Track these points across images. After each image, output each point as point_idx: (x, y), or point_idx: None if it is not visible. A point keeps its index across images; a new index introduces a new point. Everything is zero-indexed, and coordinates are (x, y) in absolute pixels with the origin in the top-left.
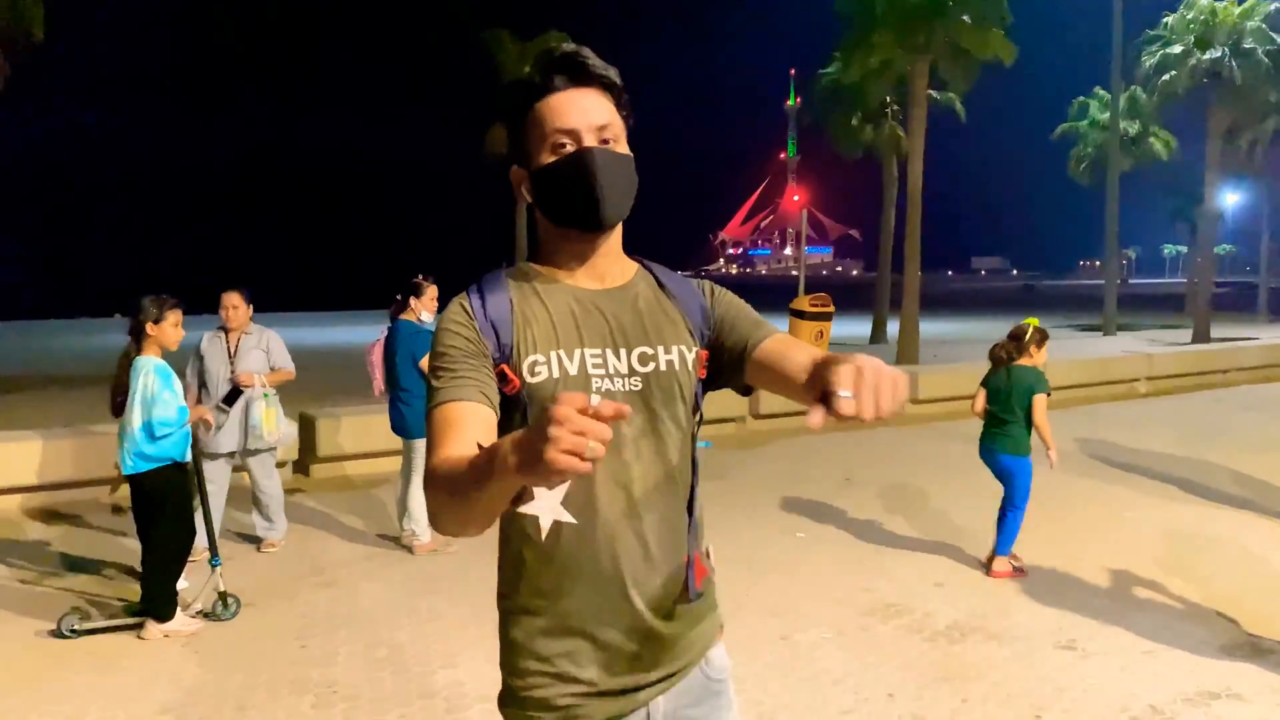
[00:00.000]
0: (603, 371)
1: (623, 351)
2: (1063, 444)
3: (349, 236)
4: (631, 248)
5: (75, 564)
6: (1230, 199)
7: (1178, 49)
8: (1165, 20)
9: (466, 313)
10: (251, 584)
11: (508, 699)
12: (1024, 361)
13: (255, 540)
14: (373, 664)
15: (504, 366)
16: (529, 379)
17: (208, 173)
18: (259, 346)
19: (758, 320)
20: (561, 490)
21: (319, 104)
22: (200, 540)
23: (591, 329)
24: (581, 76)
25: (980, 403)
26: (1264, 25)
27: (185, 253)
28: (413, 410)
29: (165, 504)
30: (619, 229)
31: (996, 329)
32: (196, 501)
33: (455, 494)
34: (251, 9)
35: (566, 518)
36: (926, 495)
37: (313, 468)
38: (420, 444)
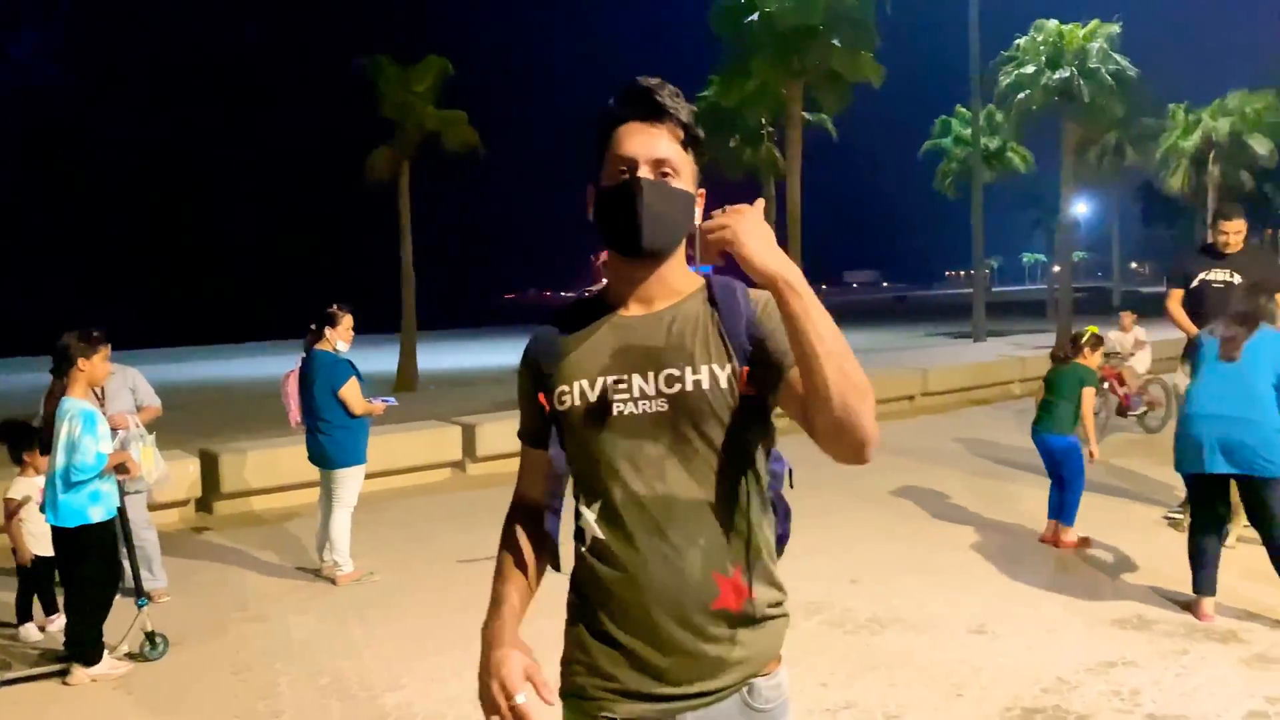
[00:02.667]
0: (626, 395)
1: (650, 374)
2: (949, 446)
3: (228, 267)
4: (519, 269)
5: None
6: (1082, 208)
7: (1030, 69)
8: (1017, 42)
9: (533, 342)
10: (176, 623)
11: (562, 690)
12: (1081, 361)
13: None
14: (317, 692)
15: (541, 395)
16: (557, 407)
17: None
18: (127, 386)
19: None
20: (595, 509)
21: (188, 127)
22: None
23: (619, 354)
24: (651, 111)
25: (1040, 396)
26: (1106, 46)
27: (34, 291)
28: (332, 440)
29: (91, 550)
30: (673, 259)
31: (873, 339)
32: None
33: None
34: (119, 45)
35: (599, 534)
36: (830, 499)
37: (216, 504)
38: (341, 474)
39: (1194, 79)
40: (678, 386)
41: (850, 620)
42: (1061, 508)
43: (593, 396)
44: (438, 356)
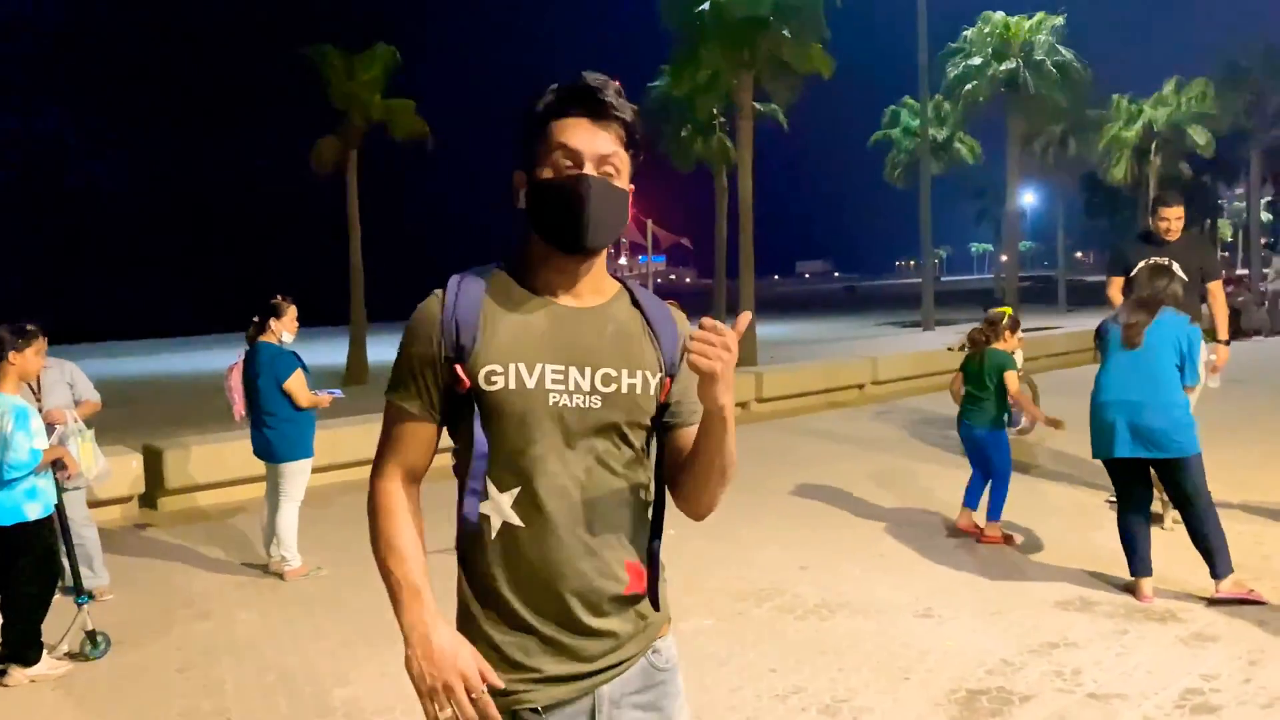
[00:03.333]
0: (562, 388)
1: (587, 370)
2: (897, 433)
3: (165, 259)
4: (470, 260)
5: None
6: (1029, 199)
7: (977, 60)
8: (965, 34)
9: (438, 304)
10: (117, 622)
11: None
12: (999, 345)
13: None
14: (264, 689)
15: (458, 366)
16: (484, 386)
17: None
18: (63, 380)
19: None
20: (511, 495)
21: (127, 117)
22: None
23: (558, 346)
24: (597, 110)
25: (958, 384)
26: (1051, 39)
27: None
28: (278, 434)
29: (27, 548)
30: (601, 255)
31: (825, 329)
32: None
33: (374, 548)
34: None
35: (515, 520)
36: (780, 487)
37: (160, 500)
38: (288, 468)
39: (1137, 70)
40: (614, 386)
41: (799, 606)
42: (989, 502)
43: (530, 383)
44: (388, 349)
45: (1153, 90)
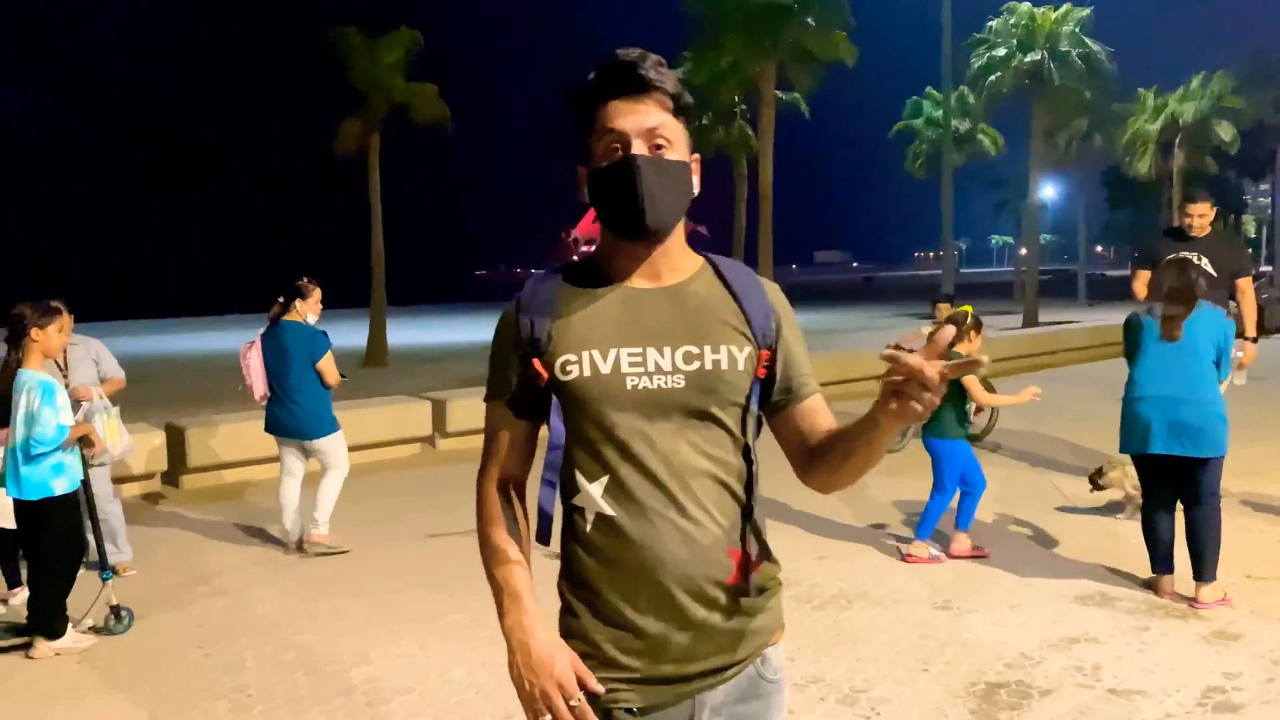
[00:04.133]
0: (641, 370)
1: (667, 350)
2: (915, 425)
3: (194, 240)
4: (486, 244)
5: None
6: (1050, 192)
7: (1001, 52)
8: (990, 24)
9: (512, 308)
10: (140, 597)
11: None
12: (961, 348)
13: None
14: (283, 666)
15: (535, 361)
16: (560, 376)
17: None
18: (89, 357)
19: (808, 370)
20: (600, 484)
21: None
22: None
23: (633, 328)
24: (635, 86)
25: None
26: (1077, 30)
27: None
28: (308, 411)
29: (54, 523)
30: (676, 233)
31: (841, 320)
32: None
33: (481, 551)
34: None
35: (607, 510)
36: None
37: (181, 478)
38: (326, 442)
39: (1163, 63)
40: (696, 364)
41: (817, 596)
42: (959, 510)
43: (605, 369)
44: (408, 332)
45: (1178, 84)
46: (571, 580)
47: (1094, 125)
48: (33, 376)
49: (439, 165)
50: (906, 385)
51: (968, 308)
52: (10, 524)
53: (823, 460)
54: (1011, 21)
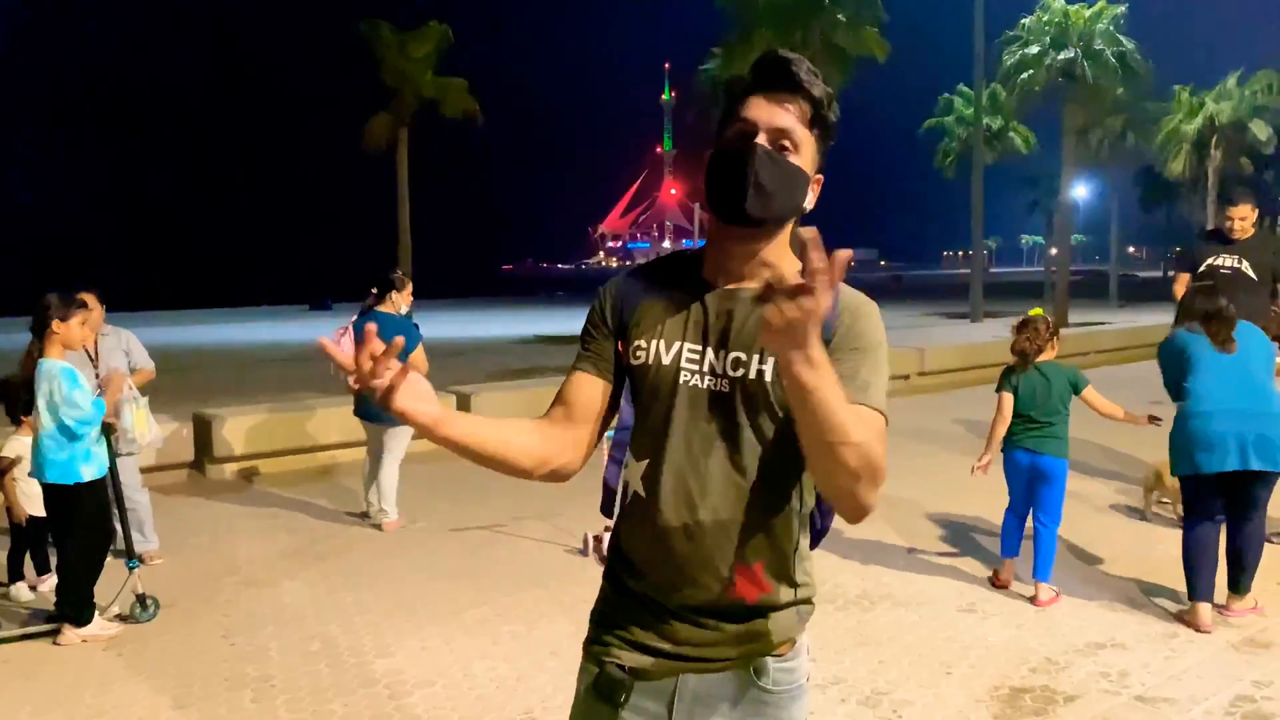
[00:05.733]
0: (696, 367)
1: (721, 352)
2: (945, 426)
3: (223, 231)
4: (512, 240)
5: None
6: (1082, 191)
7: (1035, 49)
8: (1023, 22)
9: (609, 287)
10: (166, 586)
11: (587, 638)
12: (1047, 356)
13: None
14: (307, 657)
15: (619, 342)
16: (631, 360)
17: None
18: (120, 348)
19: (864, 383)
20: (643, 466)
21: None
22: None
23: (703, 326)
24: (782, 82)
25: (1008, 409)
26: (1112, 28)
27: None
28: None
29: (81, 508)
30: (777, 239)
31: None
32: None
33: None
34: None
35: (640, 490)
36: None
37: (209, 468)
38: (400, 430)
39: (1200, 61)
40: (741, 371)
41: (840, 596)
42: (1041, 553)
43: (666, 360)
44: (433, 326)
45: (1214, 83)
46: (614, 549)
47: (1128, 124)
48: (54, 365)
49: (468, 160)
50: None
51: (1037, 309)
52: (39, 511)
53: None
54: (1045, 18)
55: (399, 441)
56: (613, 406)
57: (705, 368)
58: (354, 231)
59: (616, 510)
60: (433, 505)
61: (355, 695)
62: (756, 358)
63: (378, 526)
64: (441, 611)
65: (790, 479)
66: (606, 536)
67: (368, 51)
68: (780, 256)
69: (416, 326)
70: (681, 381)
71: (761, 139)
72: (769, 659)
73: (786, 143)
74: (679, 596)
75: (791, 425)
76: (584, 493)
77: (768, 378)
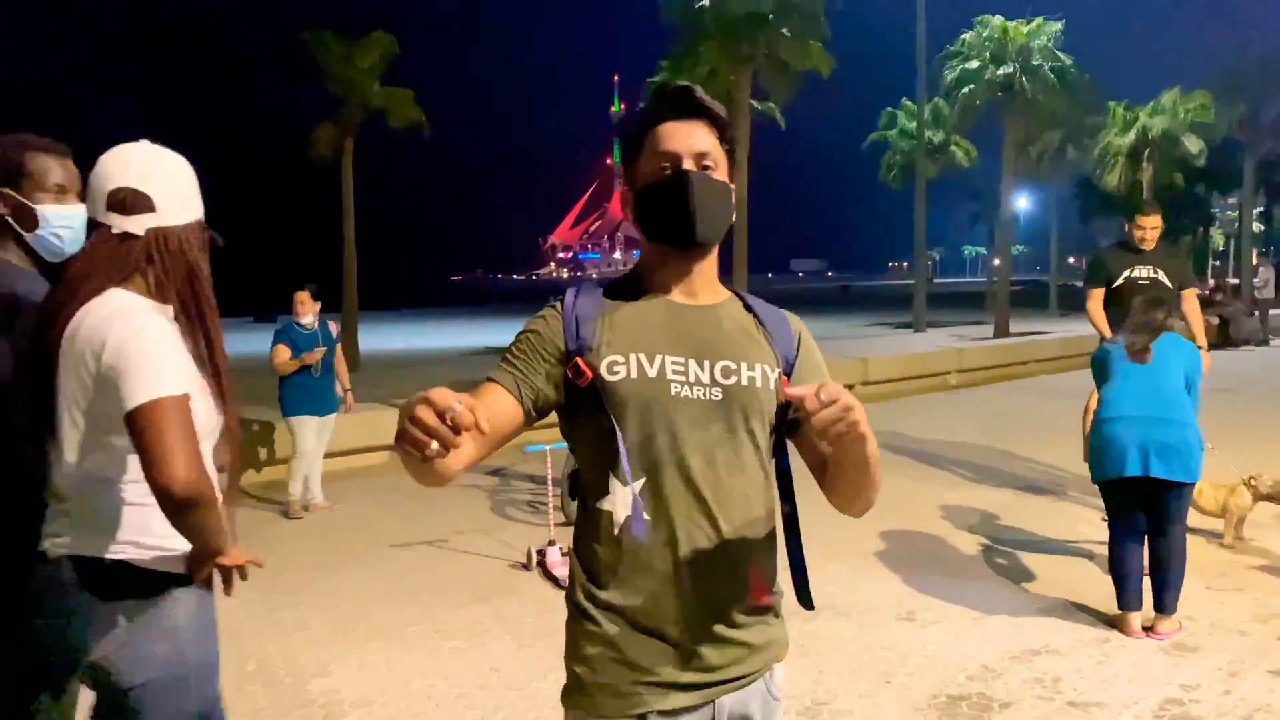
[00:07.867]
0: (683, 378)
1: (706, 363)
2: (886, 434)
3: None
4: (462, 251)
5: None
6: (1022, 203)
7: (975, 64)
8: (963, 37)
9: (555, 308)
10: None
11: (574, 689)
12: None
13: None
14: (243, 678)
15: (579, 359)
16: (606, 376)
17: None
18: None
19: None
20: (638, 485)
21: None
22: None
23: (677, 338)
24: (689, 109)
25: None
26: (1049, 44)
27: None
28: None
29: None
30: (713, 256)
31: (818, 328)
32: None
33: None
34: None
35: (641, 514)
36: None
37: None
38: (328, 419)
39: (1135, 77)
40: (733, 379)
41: (783, 606)
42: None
43: (651, 372)
44: (380, 338)
45: (1149, 98)
46: (595, 584)
47: (1067, 138)
48: None
49: (417, 172)
50: (823, 419)
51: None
52: None
53: (829, 483)
54: (984, 34)
55: (331, 427)
56: (517, 430)
57: (692, 378)
58: (301, 243)
59: (586, 544)
60: (377, 519)
61: (290, 717)
62: (744, 365)
63: (306, 508)
64: (382, 628)
65: (774, 484)
66: (550, 551)
67: (313, 60)
68: (714, 269)
69: (282, 332)
70: (673, 393)
71: (688, 165)
72: (777, 665)
73: (708, 163)
74: (706, 617)
75: (770, 428)
76: (528, 508)
77: (758, 384)
